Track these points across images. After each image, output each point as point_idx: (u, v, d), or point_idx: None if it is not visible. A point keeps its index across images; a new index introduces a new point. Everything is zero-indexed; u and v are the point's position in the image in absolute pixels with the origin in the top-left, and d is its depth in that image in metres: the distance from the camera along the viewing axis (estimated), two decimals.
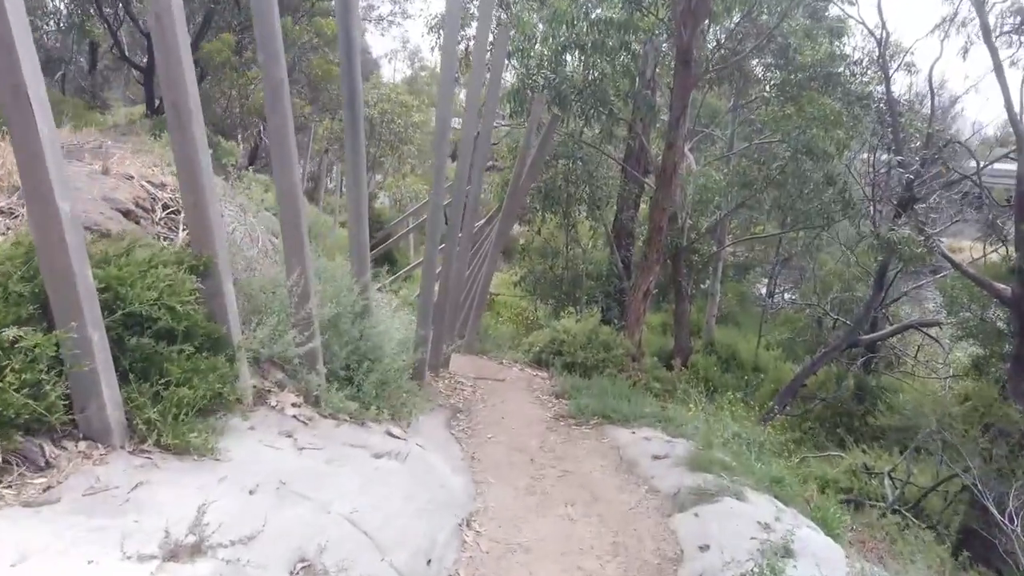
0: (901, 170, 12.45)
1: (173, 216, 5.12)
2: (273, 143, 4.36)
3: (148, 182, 5.42)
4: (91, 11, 12.55)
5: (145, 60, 14.00)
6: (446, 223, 8.54)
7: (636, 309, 10.72)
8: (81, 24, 13.93)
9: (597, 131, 13.36)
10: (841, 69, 14.30)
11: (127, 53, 14.43)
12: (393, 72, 50.12)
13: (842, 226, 15.68)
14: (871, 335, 13.81)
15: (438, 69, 18.85)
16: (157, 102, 14.45)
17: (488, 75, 8.49)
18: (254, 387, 4.04)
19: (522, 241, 20.44)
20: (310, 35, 11.22)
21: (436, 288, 7.72)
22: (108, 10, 12.65)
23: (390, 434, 4.61)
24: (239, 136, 24.52)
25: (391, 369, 5.35)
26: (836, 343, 13.54)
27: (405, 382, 5.61)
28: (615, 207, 14.97)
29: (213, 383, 3.38)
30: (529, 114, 10.47)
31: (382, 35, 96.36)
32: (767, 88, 16.85)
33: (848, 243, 17.20)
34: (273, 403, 4.04)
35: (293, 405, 4.10)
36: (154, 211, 5.07)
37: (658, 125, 17.04)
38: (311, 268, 4.51)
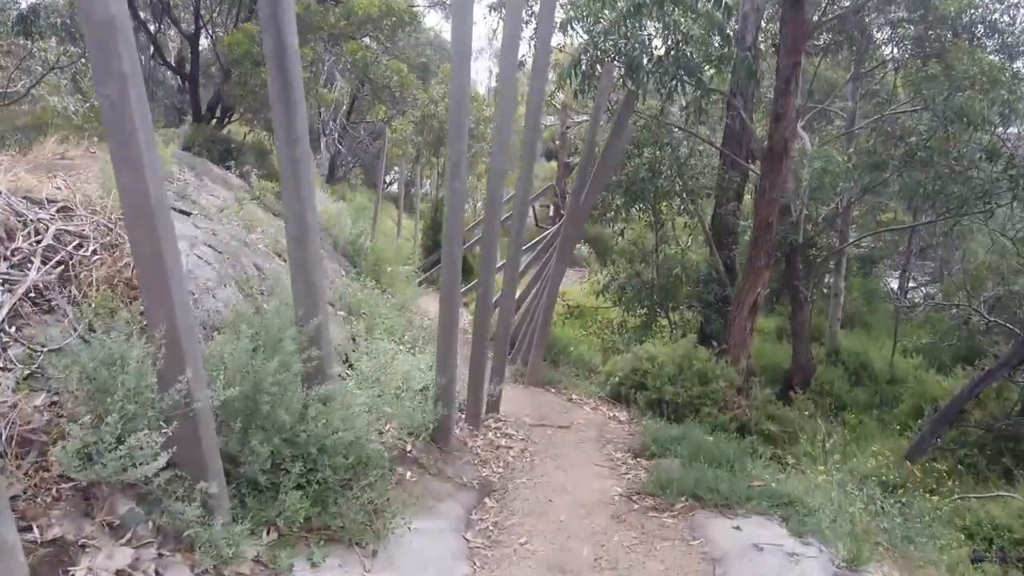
0: None
1: (38, 244, 3.58)
2: (108, 126, 2.66)
3: (25, 198, 3.92)
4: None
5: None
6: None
7: (741, 328, 8.49)
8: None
9: (685, 108, 11.14)
10: (997, 15, 11.51)
11: (171, 60, 13.43)
12: (484, 72, 48.95)
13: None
14: None
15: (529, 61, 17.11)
16: (204, 109, 13.49)
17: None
18: (50, 544, 2.36)
19: (614, 241, 18.25)
20: (337, 17, 9.63)
21: (462, 320, 5.93)
22: (143, 14, 11.60)
23: None
24: (321, 143, 23.66)
25: (359, 459, 3.59)
26: (1005, 358, 10.65)
27: (387, 473, 3.84)
28: (713, 200, 12.65)
29: None
30: (596, 90, 8.48)
31: None
32: (896, 49, 14.11)
33: (1005, 229, 14.11)
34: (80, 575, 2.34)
35: (119, 573, 2.39)
36: (11, 239, 3.54)
37: (762, 104, 14.55)
38: (188, 319, 2.80)
